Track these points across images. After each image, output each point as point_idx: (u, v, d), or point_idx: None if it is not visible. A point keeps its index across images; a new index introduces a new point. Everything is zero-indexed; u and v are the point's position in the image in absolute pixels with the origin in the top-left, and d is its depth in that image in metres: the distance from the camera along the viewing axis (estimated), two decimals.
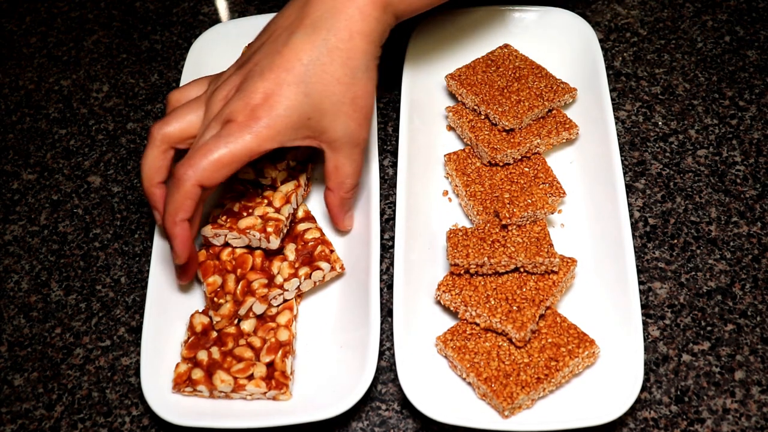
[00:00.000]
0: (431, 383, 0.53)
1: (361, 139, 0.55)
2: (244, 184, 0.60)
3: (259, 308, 0.56)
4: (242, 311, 0.55)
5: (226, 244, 0.58)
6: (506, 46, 0.68)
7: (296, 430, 0.53)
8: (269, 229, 0.57)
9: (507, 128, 0.62)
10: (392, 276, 0.58)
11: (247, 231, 0.57)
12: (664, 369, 0.55)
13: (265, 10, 0.80)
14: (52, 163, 0.70)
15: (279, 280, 0.56)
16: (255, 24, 0.72)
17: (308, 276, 0.57)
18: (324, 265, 0.57)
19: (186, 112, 0.55)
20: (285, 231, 0.58)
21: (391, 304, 0.57)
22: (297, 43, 0.53)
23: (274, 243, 0.57)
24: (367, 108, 0.55)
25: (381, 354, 0.57)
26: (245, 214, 0.58)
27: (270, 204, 0.59)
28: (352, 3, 0.53)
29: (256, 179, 0.60)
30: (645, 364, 0.55)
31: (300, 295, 0.58)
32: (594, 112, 0.64)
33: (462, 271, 0.56)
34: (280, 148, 0.59)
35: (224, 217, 0.58)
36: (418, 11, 0.58)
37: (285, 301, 0.57)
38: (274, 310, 0.57)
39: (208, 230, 0.57)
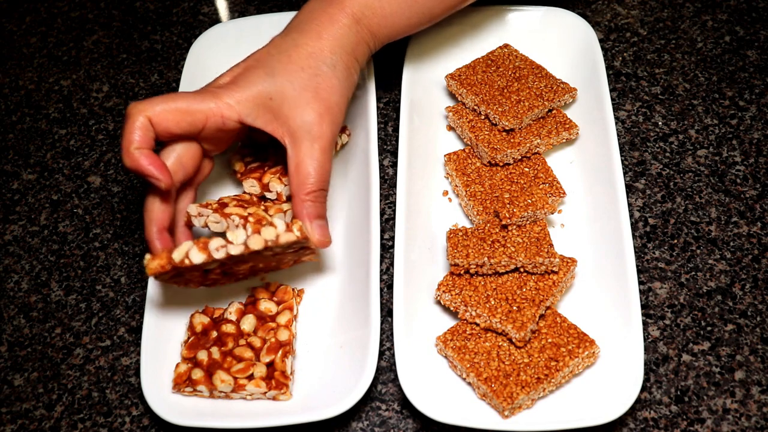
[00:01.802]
0: (431, 383, 0.53)
1: (321, 133, 0.54)
2: (250, 196, 0.60)
3: (198, 256, 0.50)
4: (176, 255, 0.51)
5: (206, 227, 0.58)
6: (506, 46, 0.68)
7: (296, 430, 0.53)
8: (250, 219, 0.56)
9: (507, 128, 0.62)
10: (392, 276, 0.58)
11: (230, 216, 0.56)
12: (664, 369, 0.55)
13: (265, 10, 0.80)
14: (52, 163, 0.70)
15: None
16: (255, 24, 0.72)
17: (257, 231, 0.52)
18: (278, 222, 0.52)
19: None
20: (270, 233, 0.57)
21: (391, 304, 0.57)
22: (273, 42, 0.57)
23: (248, 231, 0.56)
24: (329, 102, 0.55)
25: (381, 354, 0.57)
26: (234, 203, 0.58)
27: (265, 210, 0.59)
28: (323, 12, 0.56)
29: (262, 194, 0.60)
30: (645, 364, 0.55)
31: (299, 295, 0.58)
32: (594, 112, 0.64)
33: (462, 271, 0.56)
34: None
35: (215, 204, 0.58)
36: (398, 31, 0.60)
37: (229, 255, 0.51)
38: (214, 257, 0.51)
39: (193, 208, 0.57)
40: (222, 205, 0.58)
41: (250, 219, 0.56)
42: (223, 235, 0.52)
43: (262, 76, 0.54)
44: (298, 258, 0.56)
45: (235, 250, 0.51)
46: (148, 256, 0.51)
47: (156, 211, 0.54)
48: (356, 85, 0.59)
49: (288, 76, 0.54)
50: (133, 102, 0.52)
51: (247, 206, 0.58)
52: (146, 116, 0.52)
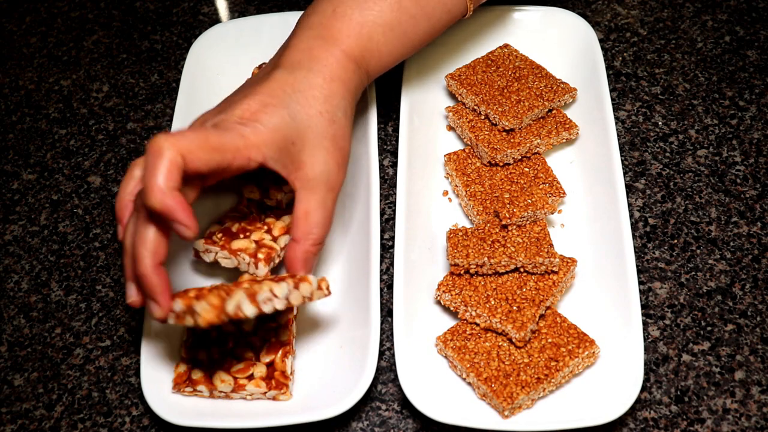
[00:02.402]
0: (431, 383, 0.53)
1: (337, 182, 0.54)
2: (249, 207, 0.60)
3: (249, 309, 0.48)
4: (230, 306, 0.49)
5: (216, 263, 0.58)
6: (506, 46, 0.68)
7: (296, 430, 0.53)
8: (260, 255, 0.56)
9: (507, 128, 0.62)
10: (392, 276, 0.58)
11: (238, 253, 0.56)
12: (664, 369, 0.55)
13: (265, 10, 0.80)
14: (52, 163, 0.70)
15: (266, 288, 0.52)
16: (255, 24, 0.72)
17: (296, 286, 0.51)
18: (312, 278, 0.52)
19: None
20: (277, 261, 0.57)
21: (391, 304, 0.57)
22: (278, 77, 0.53)
23: (262, 270, 0.56)
24: (345, 150, 0.54)
25: (381, 354, 0.57)
26: (242, 236, 0.58)
27: (269, 231, 0.58)
28: (328, 53, 0.55)
29: (261, 200, 0.60)
30: (645, 364, 0.55)
31: None
32: (594, 112, 0.64)
33: (462, 271, 0.56)
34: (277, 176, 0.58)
35: (219, 235, 0.58)
36: (388, 67, 0.59)
37: (275, 309, 0.50)
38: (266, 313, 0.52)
39: (200, 244, 0.57)
40: (227, 235, 0.57)
41: (259, 254, 0.56)
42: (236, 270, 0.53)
43: (286, 118, 0.51)
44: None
45: (280, 304, 0.50)
46: (203, 305, 0.47)
47: (154, 242, 0.48)
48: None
49: (308, 122, 0.52)
50: (160, 134, 0.47)
51: (249, 230, 0.58)
52: (179, 153, 0.46)
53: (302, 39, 0.56)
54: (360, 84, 0.57)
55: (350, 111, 0.55)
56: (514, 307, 0.54)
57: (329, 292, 0.52)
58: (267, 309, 0.49)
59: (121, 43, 0.79)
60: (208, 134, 0.48)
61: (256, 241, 0.57)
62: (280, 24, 0.72)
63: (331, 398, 0.52)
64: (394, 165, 0.67)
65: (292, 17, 0.72)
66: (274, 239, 0.58)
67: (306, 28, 0.56)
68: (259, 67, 0.68)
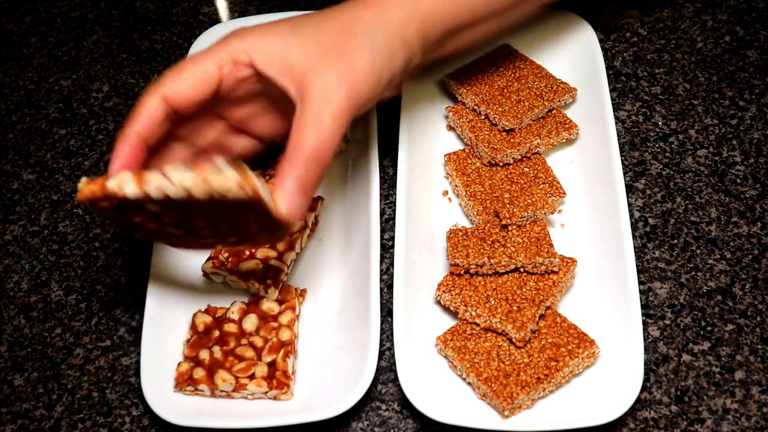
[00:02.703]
0: (431, 383, 0.53)
1: (336, 100, 0.47)
2: None
3: (131, 188, 0.44)
4: (112, 182, 0.45)
5: (225, 283, 0.59)
6: (506, 46, 0.68)
7: (296, 430, 0.53)
8: (268, 281, 0.56)
9: (507, 128, 0.62)
10: (392, 276, 0.58)
11: (249, 280, 0.57)
12: (664, 369, 0.55)
13: (265, 10, 0.80)
14: (52, 163, 0.70)
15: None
16: (255, 24, 0.72)
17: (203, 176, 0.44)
18: (230, 173, 0.43)
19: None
20: (285, 279, 0.58)
21: (391, 304, 0.57)
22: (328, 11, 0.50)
23: (273, 295, 0.57)
24: (355, 70, 0.48)
25: (381, 354, 0.57)
26: (247, 253, 0.58)
27: (273, 246, 0.58)
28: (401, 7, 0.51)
29: None
30: (645, 364, 0.55)
31: (302, 295, 0.58)
32: (594, 112, 0.64)
33: (462, 271, 0.56)
34: None
35: (225, 254, 0.58)
36: (452, 24, 0.54)
37: (166, 196, 0.44)
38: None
39: (208, 267, 0.58)
40: (233, 254, 0.57)
41: (268, 280, 0.56)
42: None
43: (286, 29, 0.49)
44: (269, 236, 0.50)
45: (174, 191, 0.43)
46: (84, 180, 0.45)
47: (147, 114, 0.48)
48: (401, 74, 0.52)
49: (315, 34, 0.48)
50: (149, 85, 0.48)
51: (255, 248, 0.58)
52: (159, 96, 0.47)
53: None
54: (407, 19, 0.51)
55: (381, 39, 0.49)
56: (514, 307, 0.54)
57: (254, 194, 0.43)
58: (155, 194, 0.43)
59: (121, 43, 0.79)
60: (184, 63, 0.48)
61: (262, 260, 0.57)
62: None
63: (332, 398, 0.52)
64: (394, 165, 0.67)
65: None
66: (280, 256, 0.58)
67: None
68: None
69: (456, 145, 0.66)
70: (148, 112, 0.48)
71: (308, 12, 0.51)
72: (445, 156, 0.64)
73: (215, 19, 0.80)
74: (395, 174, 0.62)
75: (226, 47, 0.49)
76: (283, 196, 0.45)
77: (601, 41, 0.72)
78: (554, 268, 0.55)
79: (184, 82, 0.48)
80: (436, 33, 0.53)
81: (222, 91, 0.50)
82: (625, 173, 0.64)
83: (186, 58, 0.49)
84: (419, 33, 0.52)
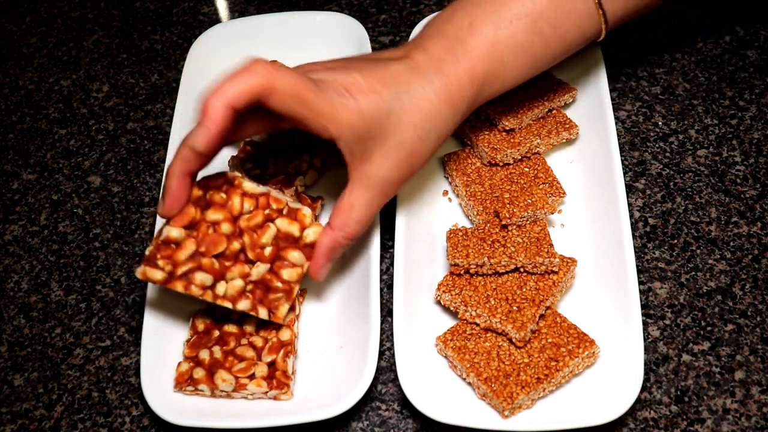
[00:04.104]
0: (431, 383, 0.53)
1: (391, 191, 0.54)
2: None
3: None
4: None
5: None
6: None
7: (296, 430, 0.53)
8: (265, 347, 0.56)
9: (507, 128, 0.62)
10: (392, 276, 0.58)
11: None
12: (664, 369, 0.55)
13: (265, 10, 0.80)
14: (52, 163, 0.70)
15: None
16: (255, 24, 0.72)
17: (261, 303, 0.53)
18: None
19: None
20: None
21: (391, 304, 0.57)
22: (399, 71, 0.52)
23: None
24: (414, 170, 0.54)
25: (381, 354, 0.57)
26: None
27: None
28: (454, 71, 0.53)
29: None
30: (645, 364, 0.55)
31: (302, 295, 0.58)
32: (594, 112, 0.64)
33: (462, 271, 0.56)
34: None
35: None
36: (508, 89, 0.57)
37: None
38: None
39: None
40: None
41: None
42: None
43: (381, 111, 0.50)
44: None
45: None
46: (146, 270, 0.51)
47: (189, 151, 0.49)
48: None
49: (399, 127, 0.51)
50: (263, 60, 0.49)
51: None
52: (268, 84, 0.47)
53: (435, 45, 0.54)
54: (471, 106, 0.55)
55: (445, 133, 0.54)
56: (514, 307, 0.54)
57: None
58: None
59: (121, 43, 0.79)
60: (305, 85, 0.48)
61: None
62: (280, 24, 0.72)
63: (331, 398, 0.52)
64: None
65: (291, 17, 0.72)
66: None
67: (440, 36, 0.54)
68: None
69: (456, 145, 0.66)
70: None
71: (404, 65, 0.53)
72: (445, 156, 0.64)
73: (215, 19, 0.80)
74: None
75: (330, 108, 0.49)
76: (318, 269, 0.54)
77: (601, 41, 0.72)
78: (554, 268, 0.55)
79: (288, 100, 0.49)
80: (498, 93, 0.57)
81: (295, 124, 0.51)
82: (625, 173, 0.64)
83: (306, 81, 0.49)
84: (482, 101, 0.57)
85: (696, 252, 0.61)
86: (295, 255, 0.53)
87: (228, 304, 0.52)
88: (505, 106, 0.63)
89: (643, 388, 0.55)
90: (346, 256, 0.60)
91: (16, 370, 0.59)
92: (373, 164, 0.52)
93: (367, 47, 0.68)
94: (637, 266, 0.59)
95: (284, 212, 0.54)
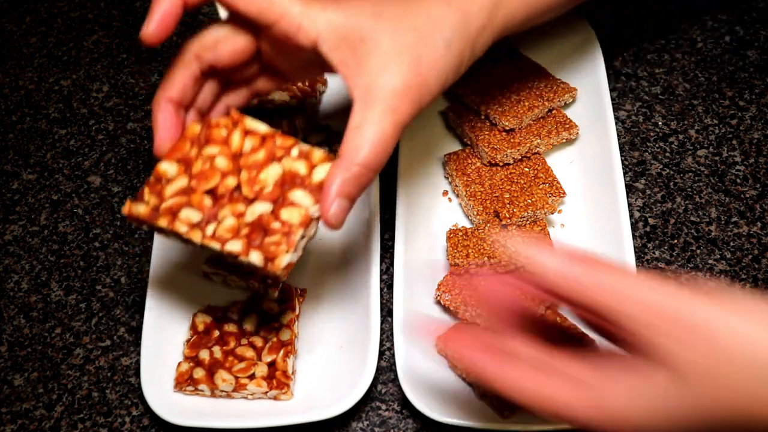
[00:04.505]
0: (431, 383, 0.53)
1: (399, 107, 0.44)
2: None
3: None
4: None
5: (225, 283, 0.58)
6: (506, 45, 0.68)
7: (296, 430, 0.53)
8: (268, 281, 0.56)
9: (507, 128, 0.62)
10: (392, 276, 0.58)
11: (249, 282, 0.56)
12: None
13: None
14: (52, 163, 0.70)
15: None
16: None
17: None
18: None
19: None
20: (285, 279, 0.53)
21: (391, 304, 0.57)
22: None
23: (273, 295, 0.56)
24: (425, 79, 0.45)
25: (381, 354, 0.57)
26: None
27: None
28: None
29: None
30: None
31: (302, 295, 0.58)
32: (594, 112, 0.64)
33: (462, 271, 0.56)
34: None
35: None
36: (519, 26, 0.51)
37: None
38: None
39: (206, 267, 0.57)
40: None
41: (269, 281, 0.54)
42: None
43: (367, 12, 0.45)
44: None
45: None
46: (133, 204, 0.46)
47: (178, 79, 0.47)
48: (455, 79, 0.49)
49: (394, 29, 0.44)
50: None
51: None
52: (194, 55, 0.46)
53: None
54: (484, 27, 0.47)
55: (456, 48, 0.46)
56: None
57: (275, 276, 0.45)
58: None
59: (121, 43, 0.79)
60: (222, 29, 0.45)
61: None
62: None
63: (331, 398, 0.52)
64: (394, 165, 0.67)
65: None
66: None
67: None
68: None
69: (456, 145, 0.66)
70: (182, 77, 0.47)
71: None
72: (445, 156, 0.64)
73: (215, 19, 0.80)
74: (395, 174, 0.62)
75: (301, 4, 0.44)
76: (328, 201, 0.44)
77: (601, 41, 0.72)
78: None
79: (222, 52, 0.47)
80: (502, 36, 0.51)
81: (265, 34, 0.47)
82: (625, 173, 0.64)
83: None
84: (490, 40, 0.49)
85: (696, 252, 0.61)
86: (298, 194, 0.45)
87: (216, 245, 0.45)
88: (505, 106, 0.63)
89: None
90: (347, 256, 0.60)
91: (16, 370, 0.59)
92: (372, 73, 0.44)
93: None
94: (637, 266, 0.59)
95: (293, 153, 0.47)
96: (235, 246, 0.44)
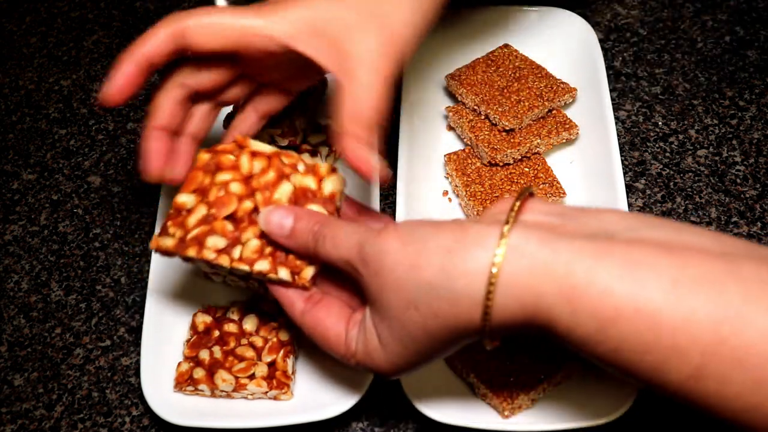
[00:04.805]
0: (431, 383, 0.53)
1: (382, 65, 0.46)
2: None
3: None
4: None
5: (225, 283, 0.57)
6: (506, 46, 0.68)
7: (296, 430, 0.53)
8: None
9: (507, 128, 0.62)
10: None
11: (249, 282, 0.55)
12: None
13: None
14: (52, 163, 0.70)
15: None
16: None
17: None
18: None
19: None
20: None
21: None
22: None
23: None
24: (397, 33, 0.47)
25: None
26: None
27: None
28: None
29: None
30: None
31: None
32: (594, 112, 0.64)
33: None
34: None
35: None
36: None
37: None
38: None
39: (206, 267, 0.56)
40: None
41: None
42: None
43: (321, 6, 0.47)
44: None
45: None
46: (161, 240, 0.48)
47: (164, 106, 0.49)
48: (428, 25, 0.50)
49: (352, 3, 0.47)
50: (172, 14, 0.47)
51: None
52: (177, 28, 0.46)
53: None
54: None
55: (420, 27, 0.48)
56: None
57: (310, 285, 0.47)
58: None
59: (121, 43, 0.79)
60: (223, 10, 0.47)
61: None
62: None
63: (331, 398, 0.52)
64: (394, 165, 0.67)
65: None
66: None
67: None
68: None
69: (456, 145, 0.66)
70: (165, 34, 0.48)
71: None
72: (445, 156, 0.64)
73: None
74: (395, 174, 0.62)
75: (259, 16, 0.47)
76: (369, 167, 0.46)
77: (601, 41, 0.72)
78: None
79: (207, 29, 0.47)
80: None
81: (242, 55, 0.49)
82: (625, 173, 0.64)
83: (216, 7, 0.48)
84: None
85: None
86: (314, 209, 0.47)
87: (245, 267, 0.47)
88: (505, 106, 0.63)
89: None
90: None
91: (16, 370, 0.59)
92: (346, 46, 0.46)
93: None
94: None
95: (299, 169, 0.49)
96: (263, 266, 0.47)
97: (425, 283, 0.39)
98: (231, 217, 0.48)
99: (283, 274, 0.47)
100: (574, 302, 0.35)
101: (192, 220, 0.48)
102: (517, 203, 0.40)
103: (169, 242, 0.48)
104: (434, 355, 0.42)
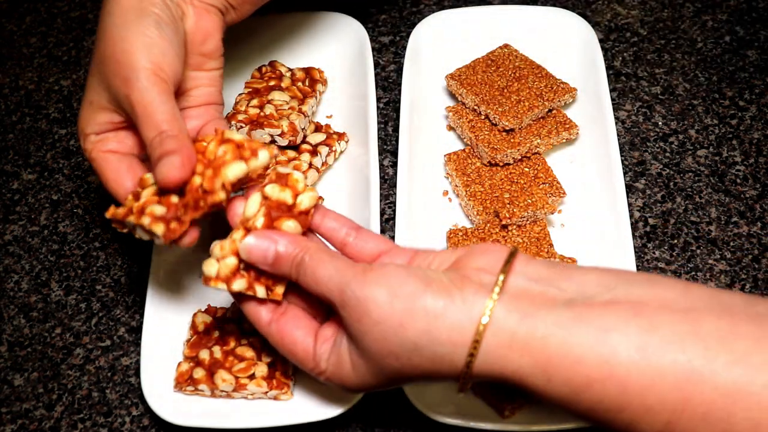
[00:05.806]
0: (431, 383, 0.53)
1: (123, 95, 0.48)
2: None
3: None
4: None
5: None
6: (506, 46, 0.68)
7: (296, 430, 0.53)
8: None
9: (507, 128, 0.62)
10: None
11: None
12: None
13: (264, 11, 0.80)
14: (52, 163, 0.70)
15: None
16: (254, 24, 0.72)
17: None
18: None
19: None
20: None
21: None
22: None
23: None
24: (123, 64, 0.48)
25: None
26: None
27: None
28: None
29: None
30: None
31: None
32: (594, 112, 0.64)
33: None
34: None
35: None
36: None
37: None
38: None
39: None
40: None
41: None
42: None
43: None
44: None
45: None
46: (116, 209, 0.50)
47: (121, 180, 0.51)
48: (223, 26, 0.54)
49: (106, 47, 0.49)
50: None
51: None
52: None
53: None
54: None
55: (146, 21, 0.49)
56: None
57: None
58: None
59: None
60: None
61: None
62: (278, 25, 0.72)
63: (331, 398, 0.52)
64: (394, 165, 0.67)
65: (291, 18, 0.72)
66: None
67: None
68: (258, 69, 0.68)
69: (456, 145, 0.66)
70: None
71: None
72: (445, 156, 0.64)
73: None
74: (395, 174, 0.62)
75: None
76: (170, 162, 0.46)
77: (601, 41, 0.72)
78: None
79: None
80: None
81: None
82: (625, 173, 0.64)
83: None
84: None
85: (696, 252, 0.61)
86: (290, 225, 0.47)
87: (222, 286, 0.47)
88: (505, 106, 0.63)
89: None
90: None
91: (16, 370, 0.59)
92: (114, 98, 0.50)
93: (367, 47, 0.68)
94: (637, 266, 0.59)
95: (273, 177, 0.48)
96: (240, 285, 0.47)
97: (410, 342, 0.41)
98: (180, 192, 0.48)
99: (260, 292, 0.47)
100: (550, 371, 0.38)
101: (146, 193, 0.49)
102: (501, 276, 0.41)
103: (120, 211, 0.49)
104: (406, 384, 0.44)
